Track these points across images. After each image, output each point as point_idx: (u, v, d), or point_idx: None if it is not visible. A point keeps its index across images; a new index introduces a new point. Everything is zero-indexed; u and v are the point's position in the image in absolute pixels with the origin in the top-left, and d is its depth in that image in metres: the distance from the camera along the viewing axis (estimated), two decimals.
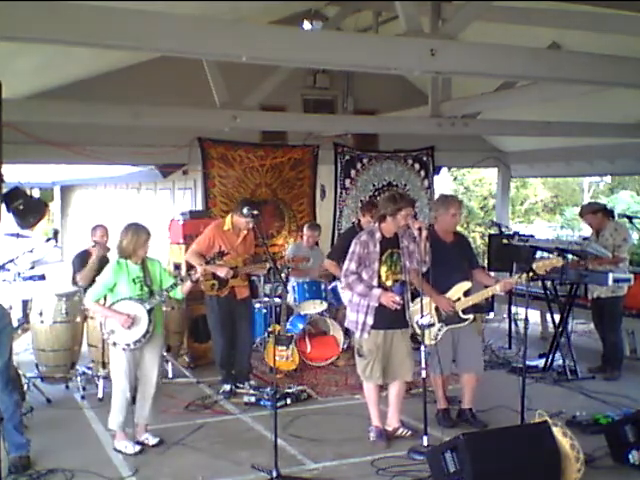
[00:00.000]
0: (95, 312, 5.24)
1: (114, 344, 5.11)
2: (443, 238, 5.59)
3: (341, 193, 9.91)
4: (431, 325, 5.49)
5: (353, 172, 9.95)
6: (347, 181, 9.93)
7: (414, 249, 5.28)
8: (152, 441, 5.22)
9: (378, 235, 5.24)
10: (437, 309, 5.56)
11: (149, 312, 5.09)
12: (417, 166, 10.36)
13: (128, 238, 5.12)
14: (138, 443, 5.18)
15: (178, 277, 5.37)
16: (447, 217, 5.56)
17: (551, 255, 7.37)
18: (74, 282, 6.93)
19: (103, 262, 6.32)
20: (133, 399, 5.24)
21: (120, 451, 5.10)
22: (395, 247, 5.27)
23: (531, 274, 5.23)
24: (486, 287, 5.62)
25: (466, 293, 5.55)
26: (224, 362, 6.60)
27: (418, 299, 5.32)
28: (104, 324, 5.13)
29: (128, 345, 5.07)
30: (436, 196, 10.13)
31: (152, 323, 5.09)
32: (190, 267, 6.25)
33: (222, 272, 6.28)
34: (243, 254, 6.53)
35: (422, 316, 5.23)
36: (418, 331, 5.41)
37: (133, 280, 5.13)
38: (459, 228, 6.00)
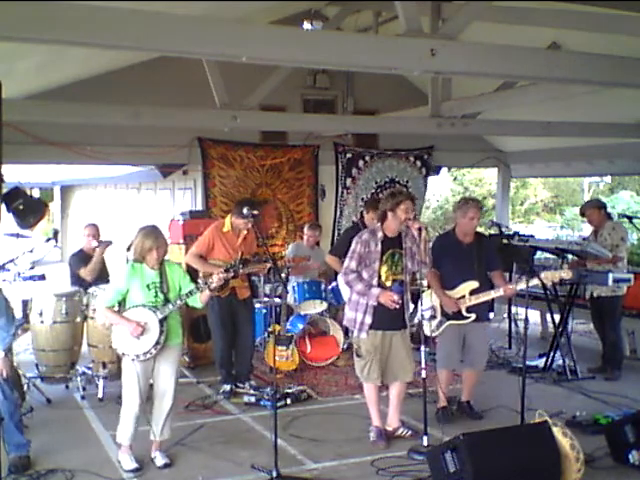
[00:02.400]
0: (106, 318, 5.02)
1: (123, 354, 4.80)
2: (461, 239, 5.72)
3: (342, 193, 9.91)
4: (433, 317, 5.66)
5: (355, 170, 9.94)
6: (348, 180, 9.92)
7: (417, 250, 5.29)
8: (160, 462, 4.86)
9: (380, 234, 5.23)
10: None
11: (161, 322, 4.74)
12: (419, 163, 10.35)
13: (136, 242, 4.80)
14: (138, 461, 4.87)
15: (197, 285, 4.91)
16: (465, 220, 5.66)
17: (551, 256, 7.39)
18: (73, 282, 6.94)
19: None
20: (147, 398, 4.95)
21: (119, 462, 4.88)
22: (397, 247, 5.26)
23: (536, 281, 5.29)
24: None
25: (472, 292, 5.61)
26: (224, 362, 6.60)
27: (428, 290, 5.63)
28: (113, 332, 4.84)
29: (137, 356, 4.73)
30: (430, 195, 10.17)
31: (164, 334, 4.73)
32: (194, 271, 6.22)
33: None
34: (244, 254, 6.51)
35: (427, 308, 5.48)
36: (423, 321, 5.52)
37: (147, 286, 4.76)
38: None
